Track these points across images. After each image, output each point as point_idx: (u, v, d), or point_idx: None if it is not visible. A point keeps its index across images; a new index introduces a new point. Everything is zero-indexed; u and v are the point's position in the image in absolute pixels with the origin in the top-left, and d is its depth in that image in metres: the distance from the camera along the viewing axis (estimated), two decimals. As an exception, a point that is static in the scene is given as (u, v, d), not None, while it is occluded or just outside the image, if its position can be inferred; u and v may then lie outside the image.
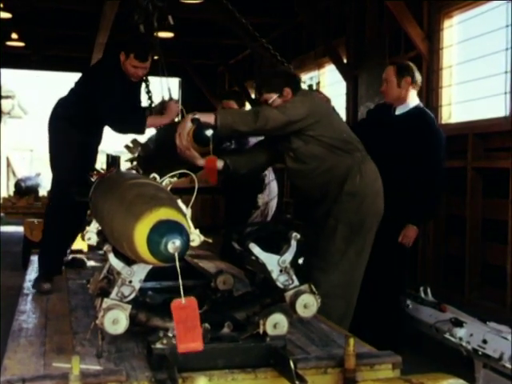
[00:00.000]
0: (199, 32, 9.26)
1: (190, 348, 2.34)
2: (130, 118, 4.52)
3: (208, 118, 3.68)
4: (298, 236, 2.98)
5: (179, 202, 2.62)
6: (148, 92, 5.15)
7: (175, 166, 3.74)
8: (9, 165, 16.77)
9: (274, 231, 3.28)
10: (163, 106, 4.59)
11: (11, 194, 12.61)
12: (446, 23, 6.22)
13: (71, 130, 4.46)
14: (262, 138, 4.42)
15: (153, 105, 5.03)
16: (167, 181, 3.01)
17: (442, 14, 6.15)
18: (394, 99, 4.58)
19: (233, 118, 3.69)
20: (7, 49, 10.43)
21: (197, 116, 3.68)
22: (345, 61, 7.52)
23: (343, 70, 7.39)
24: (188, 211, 3.03)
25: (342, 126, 4.09)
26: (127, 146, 4.90)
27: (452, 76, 6.46)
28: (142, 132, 4.46)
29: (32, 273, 4.83)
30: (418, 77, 4.61)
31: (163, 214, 2.29)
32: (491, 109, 5.93)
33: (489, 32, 5.87)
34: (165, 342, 2.68)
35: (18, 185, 10.96)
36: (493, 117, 5.89)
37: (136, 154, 4.80)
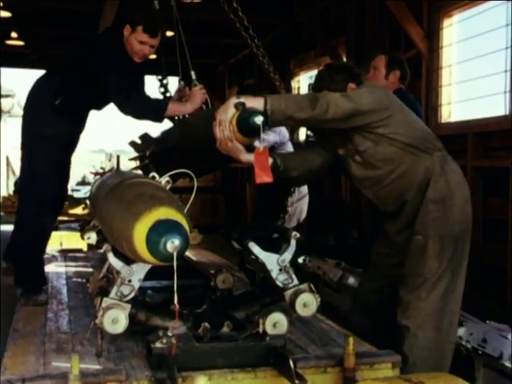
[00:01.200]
0: (199, 31, 9.25)
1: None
2: (149, 100, 3.88)
3: (255, 102, 3.00)
4: (298, 235, 2.98)
5: (178, 201, 2.62)
6: (164, 91, 4.43)
7: (205, 163, 3.45)
8: (8, 164, 16.79)
9: (274, 231, 3.28)
10: (183, 93, 4.00)
11: (11, 193, 12.62)
12: (446, 22, 6.22)
13: (58, 121, 3.89)
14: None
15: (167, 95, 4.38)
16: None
17: (442, 14, 6.15)
18: None
19: (286, 103, 3.01)
20: (7, 48, 10.43)
21: (242, 100, 2.99)
22: (345, 60, 7.52)
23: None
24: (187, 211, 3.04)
25: (418, 121, 3.42)
26: (133, 143, 4.19)
27: (452, 75, 6.46)
28: (160, 119, 3.83)
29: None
30: (407, 73, 4.52)
31: (162, 213, 2.29)
32: (491, 108, 5.93)
33: (488, 31, 5.87)
34: (164, 341, 2.68)
35: (17, 184, 10.98)
36: (493, 116, 5.89)
37: (148, 151, 4.00)
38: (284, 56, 8.96)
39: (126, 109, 3.77)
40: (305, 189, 5.44)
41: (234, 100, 3.00)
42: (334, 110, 3.00)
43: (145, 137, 4.05)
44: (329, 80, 3.33)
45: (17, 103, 17.67)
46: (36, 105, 3.92)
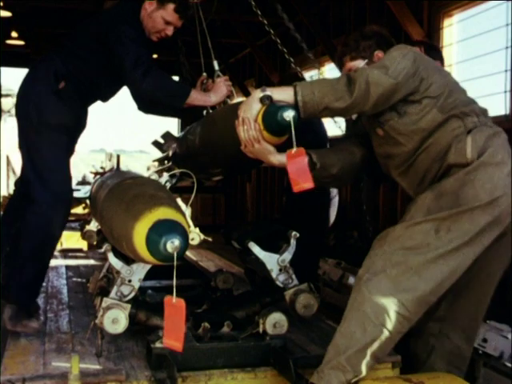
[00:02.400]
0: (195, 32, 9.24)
1: (171, 345, 2.27)
2: (171, 79, 3.44)
3: (283, 93, 2.54)
4: (298, 235, 2.97)
5: (179, 200, 2.62)
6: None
7: (233, 164, 3.06)
8: (9, 163, 16.76)
9: (274, 230, 3.28)
10: (206, 85, 3.55)
11: (11, 192, 12.60)
12: (446, 22, 6.22)
13: (62, 108, 3.38)
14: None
15: None
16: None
17: (442, 13, 6.15)
18: None
19: (320, 91, 2.51)
20: (7, 47, 10.42)
21: (267, 92, 2.51)
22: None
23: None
24: (188, 210, 3.04)
25: (456, 82, 2.88)
26: (156, 143, 3.81)
27: (452, 74, 6.45)
28: (179, 103, 3.34)
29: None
30: (444, 63, 4.06)
31: (162, 213, 2.29)
32: (491, 107, 5.92)
33: (489, 31, 5.86)
34: (164, 341, 2.68)
35: (18, 184, 10.97)
36: (493, 115, 5.88)
37: (170, 152, 3.62)
38: (284, 55, 8.95)
39: (142, 84, 3.24)
40: (334, 189, 4.89)
41: (258, 93, 2.54)
42: (375, 90, 2.52)
43: (167, 136, 3.72)
44: (353, 47, 2.93)
45: (17, 102, 17.67)
46: (35, 91, 3.37)
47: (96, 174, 4.15)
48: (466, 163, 2.61)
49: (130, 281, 2.74)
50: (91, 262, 5.47)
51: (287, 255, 2.95)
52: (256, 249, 2.99)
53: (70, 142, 3.52)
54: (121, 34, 3.28)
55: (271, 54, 9.04)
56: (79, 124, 3.57)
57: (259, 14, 3.74)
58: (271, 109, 2.48)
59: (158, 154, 3.95)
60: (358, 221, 6.74)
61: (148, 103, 3.56)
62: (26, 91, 3.43)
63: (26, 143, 3.42)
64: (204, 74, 3.59)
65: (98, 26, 3.41)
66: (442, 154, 2.66)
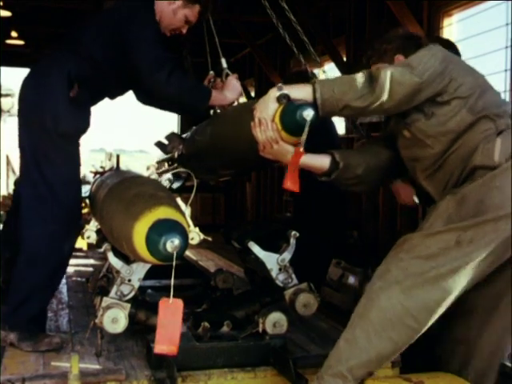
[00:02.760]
0: (198, 30, 9.24)
1: (164, 351, 2.21)
2: (194, 81, 3.29)
3: (301, 91, 2.43)
4: (298, 234, 2.97)
5: (178, 200, 2.62)
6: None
7: (244, 164, 3.01)
8: (8, 163, 16.75)
9: (273, 230, 3.28)
10: (213, 84, 3.37)
11: (11, 192, 12.59)
12: (446, 21, 6.21)
13: (76, 115, 3.15)
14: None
15: None
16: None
17: (442, 13, 6.14)
18: None
19: (340, 89, 2.39)
20: (7, 47, 10.42)
21: (284, 91, 2.41)
22: (344, 59, 7.52)
23: (343, 68, 7.37)
24: (187, 209, 3.04)
25: (486, 82, 2.67)
26: (160, 144, 3.67)
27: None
28: (203, 106, 3.18)
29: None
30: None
31: (162, 213, 2.29)
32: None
33: (488, 30, 5.86)
34: (164, 340, 2.68)
35: (17, 183, 10.96)
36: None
37: (177, 153, 3.48)
38: (284, 55, 8.94)
39: (167, 87, 3.04)
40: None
41: (274, 92, 2.43)
42: (397, 89, 2.40)
43: (172, 137, 3.59)
44: (376, 50, 2.82)
45: (17, 102, 17.68)
46: (51, 99, 3.08)
47: (96, 173, 4.12)
48: (493, 166, 2.46)
49: (129, 280, 2.74)
50: (91, 261, 5.46)
51: (287, 255, 2.94)
52: (256, 248, 2.99)
53: (80, 152, 3.29)
54: (139, 35, 3.09)
55: (271, 53, 9.04)
56: (88, 128, 3.32)
57: (270, 12, 3.63)
58: (289, 108, 2.38)
59: (158, 154, 3.90)
60: (358, 221, 6.74)
61: (160, 102, 3.41)
62: (39, 98, 3.09)
63: (35, 153, 3.11)
64: (211, 72, 3.45)
65: (110, 22, 3.19)
66: (470, 155, 2.52)
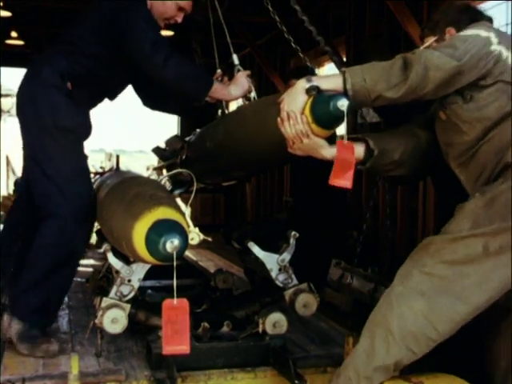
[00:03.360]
0: (199, 30, 9.23)
1: (175, 351, 2.20)
2: (194, 66, 3.19)
3: (331, 81, 2.28)
4: (297, 235, 2.97)
5: (178, 200, 2.62)
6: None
7: (258, 165, 2.86)
8: (8, 163, 16.75)
9: (273, 230, 3.27)
10: (221, 81, 3.23)
11: (11, 192, 12.60)
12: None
13: (75, 110, 3.09)
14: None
15: None
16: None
17: (442, 13, 6.15)
18: None
19: (372, 77, 2.22)
20: (7, 47, 10.42)
21: (314, 83, 2.26)
22: (344, 59, 7.52)
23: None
24: (187, 210, 3.04)
25: None
26: (158, 149, 3.55)
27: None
28: (202, 93, 3.05)
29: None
30: None
31: (162, 213, 2.29)
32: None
33: (488, 30, 5.87)
34: (164, 341, 2.68)
35: (17, 183, 10.96)
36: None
37: (181, 156, 3.34)
38: (284, 55, 8.94)
39: (164, 70, 2.95)
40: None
41: (303, 83, 2.27)
42: (434, 75, 2.20)
43: (172, 140, 3.47)
44: (429, 21, 2.64)
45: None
46: (46, 95, 3.04)
47: (96, 173, 4.13)
48: None
49: (129, 280, 2.74)
50: (91, 261, 5.46)
51: (287, 255, 2.94)
52: (255, 248, 2.99)
53: (83, 147, 3.23)
54: (132, 19, 3.00)
55: (271, 54, 9.03)
56: (90, 127, 3.25)
57: (271, 10, 3.57)
58: (321, 99, 2.22)
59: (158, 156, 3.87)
60: (358, 220, 6.74)
61: (159, 97, 3.34)
62: (35, 96, 3.07)
63: (35, 151, 3.09)
64: (219, 70, 3.35)
65: (101, 15, 3.11)
66: (504, 150, 2.33)
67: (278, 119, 2.31)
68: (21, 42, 10.61)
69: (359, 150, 2.46)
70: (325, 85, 2.27)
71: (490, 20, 2.55)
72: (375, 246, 6.17)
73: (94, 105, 3.29)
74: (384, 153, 2.49)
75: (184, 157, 3.36)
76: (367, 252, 5.88)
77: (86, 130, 3.18)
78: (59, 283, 3.13)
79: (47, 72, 3.05)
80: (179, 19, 3.22)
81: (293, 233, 2.96)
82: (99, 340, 2.85)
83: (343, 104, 2.18)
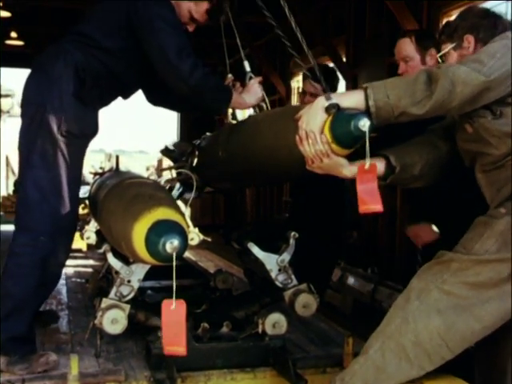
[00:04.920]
0: (198, 31, 9.25)
1: (175, 351, 2.21)
2: (216, 78, 3.02)
3: (352, 97, 2.18)
4: (297, 235, 2.97)
5: (178, 201, 2.62)
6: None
7: (275, 174, 2.71)
8: (8, 164, 16.77)
9: (273, 230, 3.27)
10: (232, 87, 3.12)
11: (11, 192, 12.61)
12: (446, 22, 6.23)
13: (85, 113, 2.87)
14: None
15: None
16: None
17: (442, 13, 6.15)
18: None
19: (395, 93, 2.12)
20: (7, 47, 10.43)
21: (334, 100, 2.15)
22: (344, 60, 7.52)
23: (343, 69, 7.38)
24: (187, 210, 3.03)
25: None
26: (167, 150, 3.45)
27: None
28: (223, 106, 2.99)
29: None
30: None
31: (161, 213, 2.29)
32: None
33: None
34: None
35: (17, 184, 10.98)
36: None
37: (191, 160, 3.27)
38: (283, 56, 8.95)
39: (190, 79, 2.77)
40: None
41: (322, 101, 2.17)
42: (462, 90, 2.11)
43: (180, 144, 3.38)
44: (446, 27, 2.53)
45: (16, 103, 17.67)
46: (53, 95, 2.78)
47: (95, 174, 4.11)
48: None
49: (129, 281, 2.74)
50: (90, 262, 5.46)
51: (286, 255, 2.94)
52: (255, 249, 2.99)
53: (84, 154, 3.00)
54: (157, 18, 2.78)
55: (270, 54, 9.04)
56: (97, 130, 3.03)
57: (268, 15, 3.52)
58: (341, 118, 2.12)
59: (158, 154, 3.85)
60: (358, 221, 6.75)
61: (164, 94, 3.14)
62: (42, 94, 2.81)
63: (30, 154, 2.82)
64: (229, 75, 3.22)
65: (120, 8, 2.88)
66: None
67: (297, 137, 2.21)
68: (20, 43, 10.63)
69: (379, 166, 2.36)
70: (345, 102, 2.16)
71: (509, 24, 2.47)
72: (375, 246, 6.18)
73: (105, 104, 3.06)
74: (405, 168, 2.41)
75: (195, 162, 3.27)
76: (367, 252, 5.89)
77: (92, 133, 2.98)
78: (37, 308, 2.92)
79: (58, 69, 2.80)
80: (191, 29, 3.10)
81: (292, 233, 2.95)
82: (99, 340, 2.84)
83: (364, 124, 2.08)
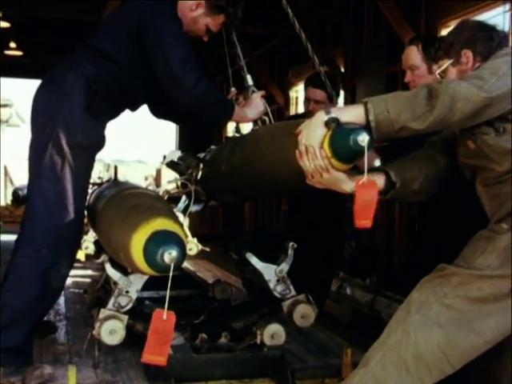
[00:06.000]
0: (195, 41, 9.27)
1: (154, 360, 2.17)
2: (218, 97, 3.05)
3: (352, 112, 2.17)
4: (295, 245, 2.97)
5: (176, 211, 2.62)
6: None
7: (278, 188, 2.70)
8: (6, 173, 16.77)
9: (271, 240, 3.27)
10: (235, 102, 3.14)
11: (9, 202, 12.60)
12: (443, 32, 6.24)
13: (94, 126, 2.89)
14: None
15: None
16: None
17: (439, 24, 6.17)
18: None
19: (395, 108, 2.12)
20: (5, 58, 10.45)
21: (333, 115, 2.14)
22: (342, 69, 7.55)
23: (341, 79, 7.41)
24: (185, 220, 3.04)
25: None
26: (173, 164, 3.43)
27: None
28: (224, 120, 3.04)
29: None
30: None
31: (160, 224, 2.29)
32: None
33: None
34: (162, 352, 2.67)
35: (15, 193, 10.95)
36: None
37: (195, 174, 3.27)
38: (282, 66, 8.97)
39: (193, 91, 2.78)
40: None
41: (322, 116, 2.15)
42: (462, 106, 2.10)
43: (186, 157, 3.35)
44: (443, 42, 2.48)
45: (15, 113, 17.71)
46: (63, 108, 2.79)
47: (93, 184, 4.11)
48: None
49: (127, 292, 2.74)
50: (89, 272, 5.46)
51: (285, 266, 2.94)
52: (253, 259, 2.99)
53: (91, 166, 3.03)
54: (163, 30, 2.82)
55: (269, 64, 9.07)
56: (104, 143, 3.04)
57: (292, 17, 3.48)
58: (340, 133, 2.10)
59: (157, 164, 3.85)
60: (357, 231, 6.74)
61: (168, 106, 3.10)
62: (51, 107, 2.81)
63: (38, 166, 2.80)
64: (233, 88, 3.25)
65: (129, 19, 2.91)
66: None
67: (297, 152, 2.20)
68: (19, 53, 10.65)
69: (380, 181, 2.34)
70: (345, 117, 2.14)
71: (504, 33, 2.48)
72: (374, 256, 6.17)
73: (113, 117, 3.10)
74: (405, 184, 2.39)
75: (199, 175, 3.25)
76: (366, 262, 5.89)
77: (99, 146, 2.98)
78: (36, 321, 2.87)
79: (71, 79, 2.82)
80: (205, 39, 3.14)
81: (291, 243, 2.96)
82: (97, 351, 2.84)
83: (363, 139, 2.05)
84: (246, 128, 3.26)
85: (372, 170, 2.30)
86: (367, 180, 2.17)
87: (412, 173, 2.41)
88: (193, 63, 2.83)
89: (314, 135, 2.15)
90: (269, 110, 3.11)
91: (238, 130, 3.17)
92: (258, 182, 2.64)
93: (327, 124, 2.12)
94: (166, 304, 2.18)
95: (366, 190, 2.18)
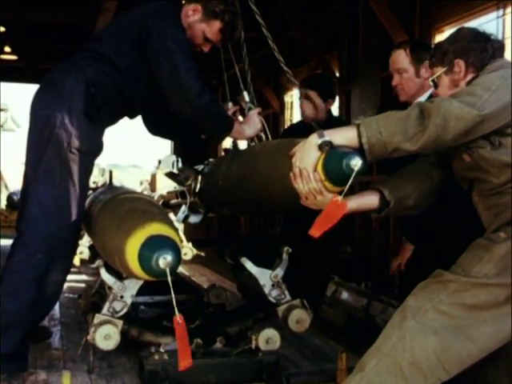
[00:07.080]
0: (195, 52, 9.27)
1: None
2: (219, 110, 2.99)
3: (344, 135, 2.18)
4: (290, 250, 2.97)
5: (171, 215, 2.62)
6: None
7: (274, 205, 2.68)
8: (1, 178, 16.73)
9: (266, 245, 3.27)
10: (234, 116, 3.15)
11: (3, 207, 12.58)
12: (438, 38, 6.26)
13: (94, 132, 2.89)
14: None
15: None
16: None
17: (434, 29, 6.19)
18: (412, 96, 3.23)
19: (387, 129, 2.13)
20: (0, 62, 10.44)
21: (326, 138, 2.15)
22: (337, 74, 7.56)
23: (337, 83, 7.43)
24: (180, 225, 3.03)
25: None
26: (172, 174, 3.45)
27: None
28: (224, 134, 2.99)
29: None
30: None
31: (154, 229, 2.29)
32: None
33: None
34: (157, 357, 2.67)
35: (10, 198, 10.96)
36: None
37: (194, 186, 3.28)
38: (276, 71, 8.98)
39: (196, 101, 2.77)
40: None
41: (315, 139, 2.16)
42: (455, 125, 2.12)
43: (185, 168, 3.37)
44: (435, 50, 2.47)
45: (10, 117, 17.68)
46: (63, 110, 2.76)
47: (89, 189, 4.09)
48: None
49: (122, 297, 2.73)
50: (83, 277, 5.45)
51: (280, 270, 2.94)
52: (248, 264, 2.99)
53: (90, 170, 2.99)
54: (169, 39, 2.79)
55: (263, 69, 9.07)
56: (102, 148, 3.01)
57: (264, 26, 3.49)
58: (334, 157, 2.11)
59: (152, 169, 3.87)
60: (352, 236, 6.75)
61: (167, 124, 3.18)
62: (51, 110, 2.78)
63: (36, 169, 2.77)
64: (230, 103, 3.25)
65: (132, 25, 2.90)
66: None
67: (291, 174, 2.21)
68: (14, 57, 10.63)
69: (373, 199, 2.37)
70: (338, 140, 2.15)
71: (499, 44, 2.49)
72: (368, 261, 6.18)
73: (112, 123, 3.08)
74: (399, 201, 2.39)
75: (198, 188, 3.28)
76: (361, 267, 5.89)
77: (98, 152, 2.96)
78: (30, 328, 2.83)
79: (71, 82, 2.81)
80: (206, 49, 3.09)
81: (285, 248, 2.96)
82: (91, 356, 2.83)
83: (356, 164, 2.07)
84: (243, 143, 3.28)
85: (366, 188, 2.34)
86: (341, 200, 2.18)
87: (406, 190, 2.41)
88: (197, 73, 2.82)
89: (307, 158, 2.17)
90: (266, 126, 3.10)
91: (235, 145, 3.18)
92: (254, 198, 2.66)
93: (321, 147, 2.13)
94: (175, 309, 2.27)
95: (335, 207, 2.19)
